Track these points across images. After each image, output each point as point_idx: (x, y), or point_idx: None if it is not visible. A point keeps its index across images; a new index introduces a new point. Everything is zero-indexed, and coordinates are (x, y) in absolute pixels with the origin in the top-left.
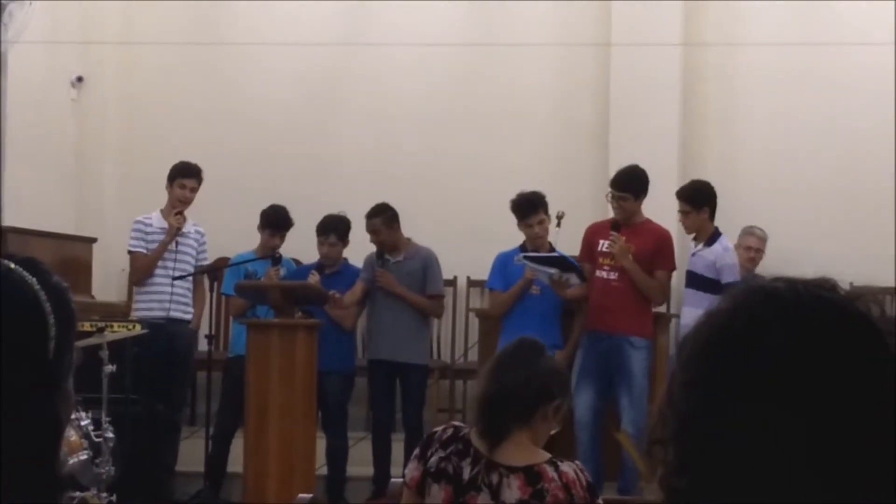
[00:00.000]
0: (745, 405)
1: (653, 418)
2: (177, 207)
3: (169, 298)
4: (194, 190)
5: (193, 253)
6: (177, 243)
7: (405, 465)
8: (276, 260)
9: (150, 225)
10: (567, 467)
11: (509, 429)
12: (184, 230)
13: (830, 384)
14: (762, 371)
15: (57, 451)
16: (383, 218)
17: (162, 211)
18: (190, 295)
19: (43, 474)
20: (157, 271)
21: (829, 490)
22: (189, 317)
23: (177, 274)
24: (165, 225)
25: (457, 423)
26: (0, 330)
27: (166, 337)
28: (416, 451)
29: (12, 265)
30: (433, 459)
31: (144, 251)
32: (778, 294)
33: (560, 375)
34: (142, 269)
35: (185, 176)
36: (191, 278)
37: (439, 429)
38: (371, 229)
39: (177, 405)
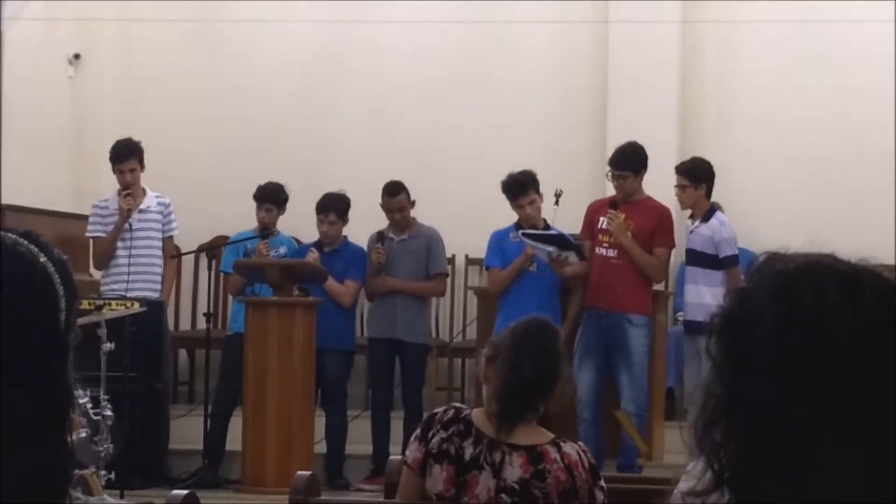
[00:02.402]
0: (821, 382)
1: (704, 404)
2: (123, 191)
3: (127, 278)
4: (135, 170)
5: (158, 227)
6: (130, 224)
7: (404, 444)
8: (266, 234)
9: (107, 207)
10: (570, 448)
11: (525, 416)
12: (143, 206)
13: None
14: (838, 348)
15: (69, 422)
16: (407, 193)
17: (118, 191)
18: (157, 271)
19: (60, 446)
20: (118, 251)
21: (868, 476)
22: (156, 295)
23: (135, 252)
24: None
25: (457, 404)
26: (19, 304)
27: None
28: (417, 433)
29: (19, 238)
30: (434, 440)
31: (103, 235)
32: (840, 271)
33: (565, 355)
34: (100, 254)
35: (119, 161)
36: (160, 253)
37: (440, 410)
38: (398, 206)
39: (160, 382)
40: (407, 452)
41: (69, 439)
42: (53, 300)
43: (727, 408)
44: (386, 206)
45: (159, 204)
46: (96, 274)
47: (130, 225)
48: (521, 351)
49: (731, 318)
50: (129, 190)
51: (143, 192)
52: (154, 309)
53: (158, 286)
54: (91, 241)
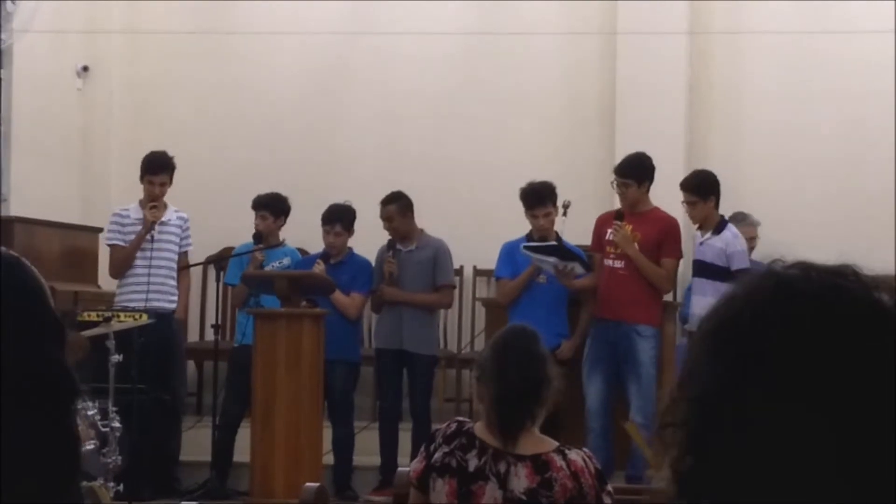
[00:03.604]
0: (752, 393)
1: (663, 402)
2: (150, 203)
3: (146, 288)
4: (165, 184)
5: (176, 240)
6: (152, 235)
7: (412, 455)
8: (272, 244)
9: (128, 216)
10: (575, 455)
11: (525, 423)
12: (164, 219)
13: (840, 375)
14: (769, 360)
15: (74, 410)
16: (398, 205)
17: (140, 202)
18: (173, 283)
19: (67, 431)
20: (137, 262)
21: (833, 478)
22: (173, 306)
23: (155, 264)
24: (142, 215)
25: (460, 418)
26: (22, 301)
27: (148, 326)
28: (421, 449)
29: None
30: (437, 455)
31: (122, 243)
32: (790, 282)
33: (548, 356)
34: (119, 262)
35: (152, 173)
36: (175, 267)
37: (442, 426)
38: (385, 216)
39: (173, 394)
40: (410, 468)
41: (75, 424)
42: (45, 295)
43: (689, 413)
44: (380, 216)
45: (179, 218)
46: (104, 285)
47: (152, 236)
48: (505, 361)
49: (703, 320)
50: (156, 202)
51: (165, 205)
52: (168, 321)
53: (175, 298)
54: (110, 248)
